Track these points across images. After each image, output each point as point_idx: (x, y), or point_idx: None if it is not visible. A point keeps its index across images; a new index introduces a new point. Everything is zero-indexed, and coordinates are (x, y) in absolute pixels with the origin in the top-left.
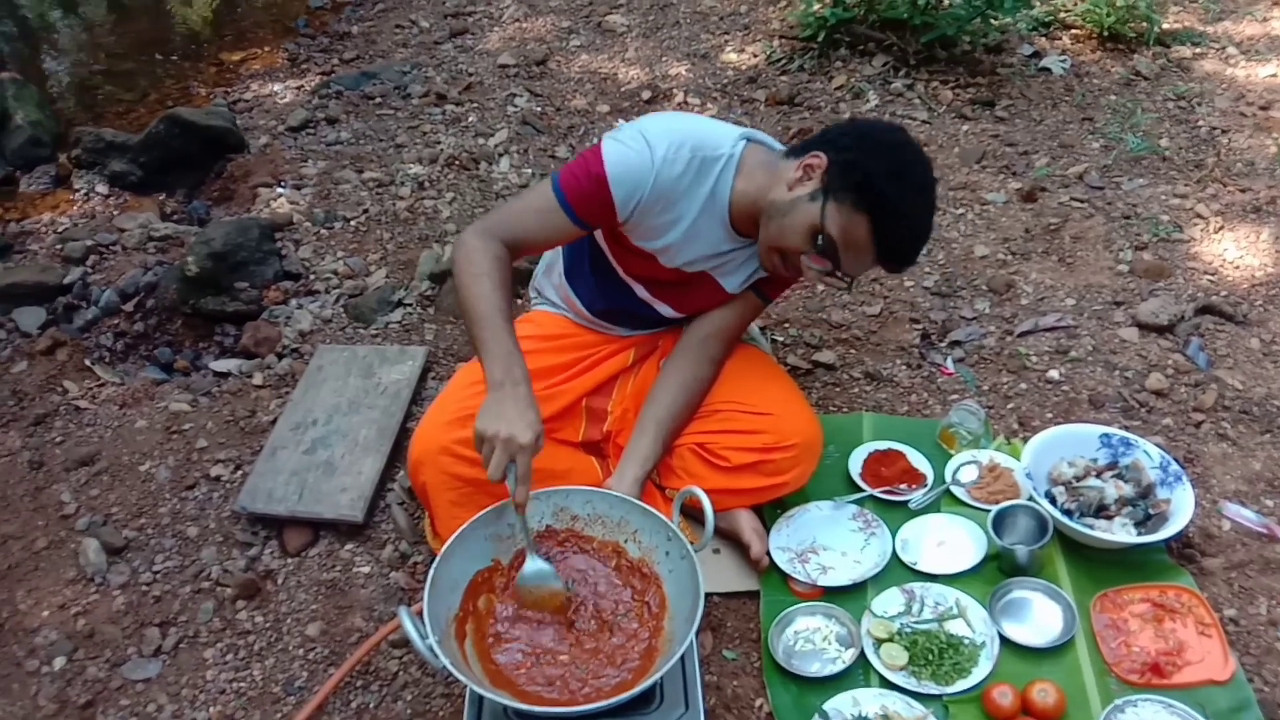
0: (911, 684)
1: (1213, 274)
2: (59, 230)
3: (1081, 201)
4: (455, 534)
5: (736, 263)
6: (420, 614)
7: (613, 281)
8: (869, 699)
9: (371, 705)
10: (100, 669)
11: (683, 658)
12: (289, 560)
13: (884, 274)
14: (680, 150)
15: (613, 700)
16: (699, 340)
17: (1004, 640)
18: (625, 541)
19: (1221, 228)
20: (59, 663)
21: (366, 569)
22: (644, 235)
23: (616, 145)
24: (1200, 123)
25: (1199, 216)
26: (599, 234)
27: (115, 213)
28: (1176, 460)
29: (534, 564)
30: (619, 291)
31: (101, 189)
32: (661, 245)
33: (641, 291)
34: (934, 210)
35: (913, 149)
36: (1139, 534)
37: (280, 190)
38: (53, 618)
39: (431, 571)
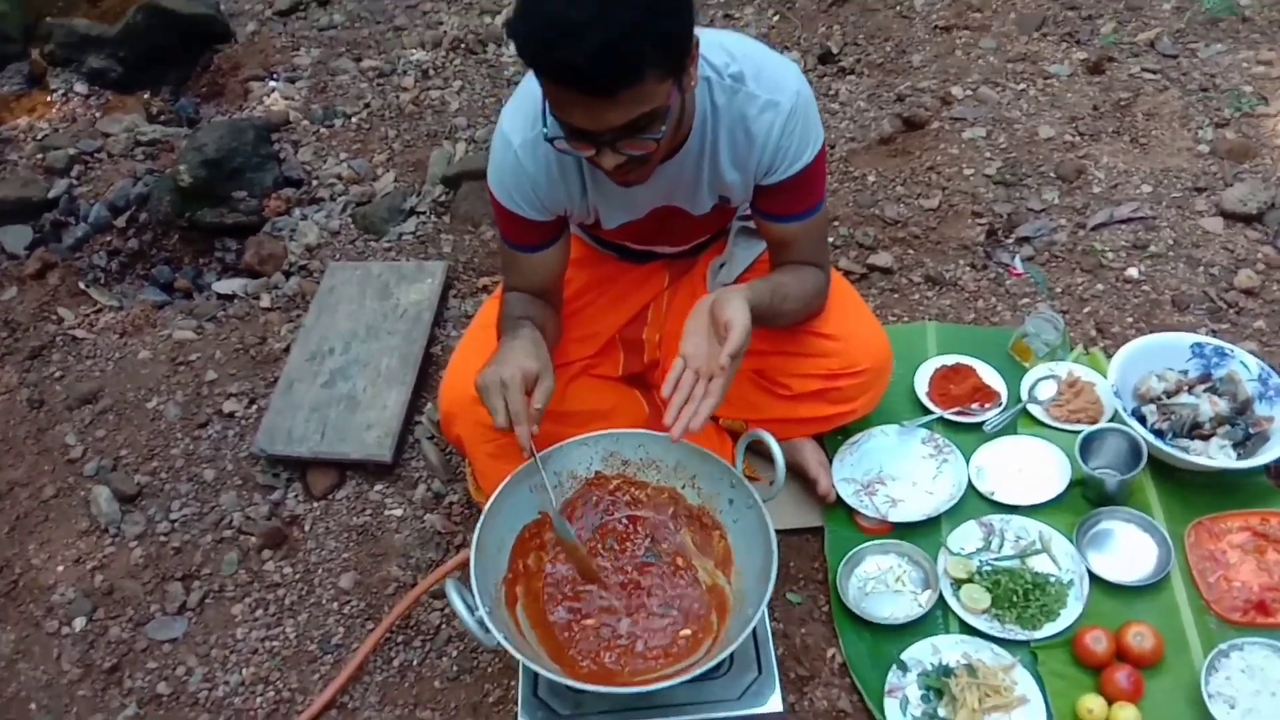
0: (995, 629)
1: None
2: (38, 137)
3: (1154, 72)
4: (496, 491)
5: (673, 182)
6: (467, 582)
7: (606, 243)
8: (950, 646)
9: (415, 662)
10: (123, 629)
11: None
12: (315, 504)
13: (941, 162)
14: (536, 120)
15: (680, 680)
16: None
17: (1093, 578)
18: (683, 487)
19: None
20: (79, 623)
21: (399, 511)
22: (579, 216)
23: (490, 161)
24: None
25: None
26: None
27: (97, 115)
28: (1276, 371)
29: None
30: (617, 247)
31: (80, 88)
32: (594, 217)
33: (633, 244)
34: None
35: None
36: (1238, 456)
37: (273, 84)
38: (68, 573)
39: (476, 534)
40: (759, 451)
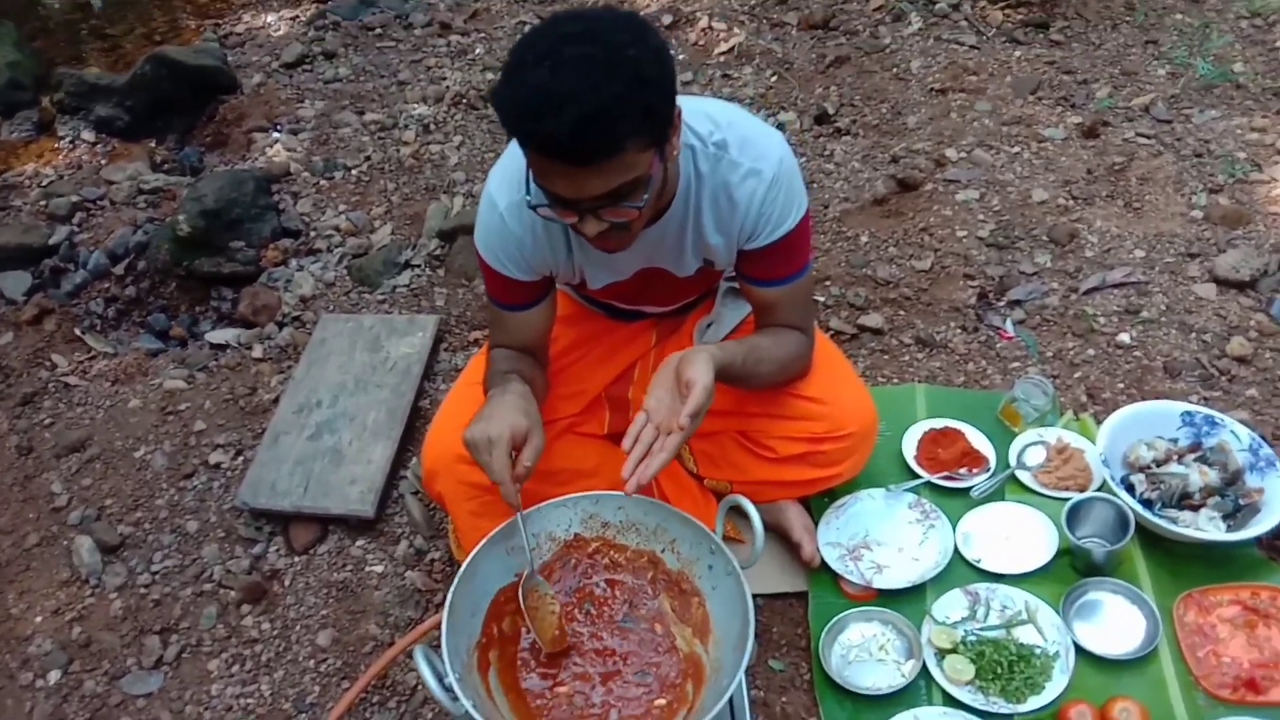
0: (979, 701)
1: None
2: (43, 184)
3: (1148, 137)
4: (471, 553)
5: (656, 245)
6: (438, 648)
7: (593, 301)
8: (932, 719)
9: None
10: (98, 682)
11: None
12: (296, 559)
13: (933, 224)
14: (521, 184)
15: None
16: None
17: (1079, 650)
18: (662, 551)
19: None
20: (54, 676)
21: (380, 568)
22: (565, 276)
23: (477, 223)
24: (1279, 44)
25: None
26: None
27: (103, 162)
28: (1267, 441)
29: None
30: (604, 305)
31: (88, 135)
32: (580, 278)
33: (620, 304)
34: (550, 62)
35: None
36: (1228, 528)
37: (276, 135)
38: (46, 624)
39: (449, 597)
40: (745, 514)
